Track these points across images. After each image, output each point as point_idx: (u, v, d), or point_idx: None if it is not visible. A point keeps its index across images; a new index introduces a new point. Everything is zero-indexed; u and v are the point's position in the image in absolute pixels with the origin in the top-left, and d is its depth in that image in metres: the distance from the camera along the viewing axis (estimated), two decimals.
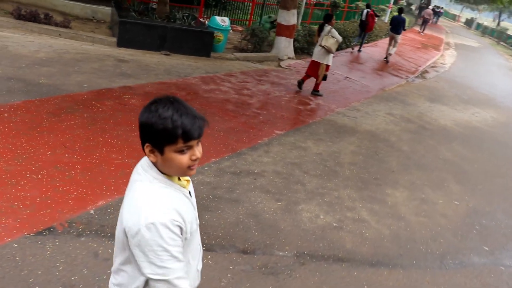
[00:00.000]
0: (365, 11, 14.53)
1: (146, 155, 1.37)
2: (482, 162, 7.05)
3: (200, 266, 1.70)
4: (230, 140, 5.59)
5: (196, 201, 1.68)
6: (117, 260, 1.50)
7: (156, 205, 1.31)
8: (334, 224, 4.27)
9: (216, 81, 8.06)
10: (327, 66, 8.29)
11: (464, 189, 5.84)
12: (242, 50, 11.03)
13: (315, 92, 8.57)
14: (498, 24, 45.49)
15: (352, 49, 14.91)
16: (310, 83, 8.77)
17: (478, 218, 5.14)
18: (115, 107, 5.72)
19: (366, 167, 5.73)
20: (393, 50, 14.10)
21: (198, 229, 1.58)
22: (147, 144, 1.33)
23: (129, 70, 7.53)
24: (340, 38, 8.14)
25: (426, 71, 14.57)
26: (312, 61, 8.38)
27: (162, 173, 1.39)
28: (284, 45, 10.99)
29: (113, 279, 1.54)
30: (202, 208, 4.00)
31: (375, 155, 6.24)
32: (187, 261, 1.50)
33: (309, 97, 8.37)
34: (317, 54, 8.24)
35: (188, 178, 1.51)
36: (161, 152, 1.31)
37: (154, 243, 1.28)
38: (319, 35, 8.30)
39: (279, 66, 10.61)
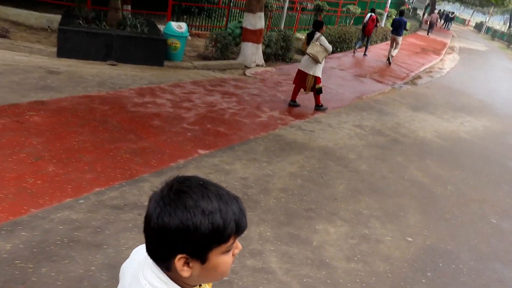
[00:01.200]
0: (369, 15, 14.49)
1: (175, 269, 0.91)
2: (459, 183, 5.89)
3: None
4: (134, 164, 4.60)
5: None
6: None
7: None
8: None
9: (156, 92, 7.10)
10: (317, 78, 7.41)
11: (425, 220, 4.71)
12: (206, 58, 10.09)
13: (318, 107, 7.76)
14: (509, 27, 43.73)
15: (354, 53, 14.71)
16: (308, 98, 7.71)
17: (433, 260, 4.02)
18: (8, 126, 4.80)
19: (301, 194, 4.66)
20: (394, 52, 13.91)
21: None
22: (180, 256, 0.90)
23: (56, 82, 6.64)
24: (329, 47, 7.21)
25: (418, 77, 13.41)
26: (298, 70, 7.54)
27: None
28: (251, 52, 10.00)
29: None
30: (44, 257, 3.02)
31: (320, 178, 5.16)
32: None
33: (262, 109, 7.33)
34: (303, 63, 7.43)
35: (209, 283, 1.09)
36: (204, 260, 0.91)
37: None
38: (308, 43, 7.41)
39: (244, 74, 9.61)
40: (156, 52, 8.77)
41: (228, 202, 0.92)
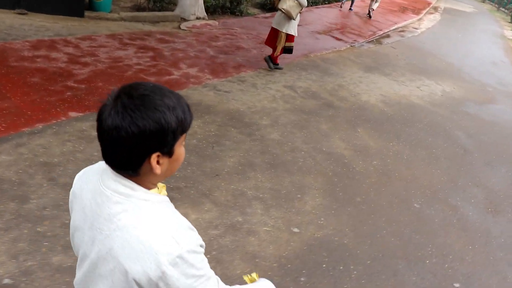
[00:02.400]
0: None
1: (150, 169, 0.98)
2: (388, 157, 4.96)
3: None
4: None
5: None
6: None
7: (172, 232, 0.98)
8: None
9: (56, 46, 5.98)
10: (290, 36, 6.66)
11: (327, 204, 3.80)
12: (141, 9, 8.82)
13: (275, 65, 7.00)
14: None
15: (341, 7, 14.50)
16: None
17: (317, 260, 3.15)
18: None
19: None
20: (375, 5, 13.65)
21: None
22: (154, 155, 0.97)
23: None
24: (304, 2, 6.35)
25: (387, 36, 12.24)
26: (272, 28, 6.76)
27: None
28: (190, 2, 8.76)
29: None
30: None
31: (209, 148, 4.16)
32: None
33: (179, 66, 6.23)
34: (276, 20, 6.64)
35: (163, 184, 1.16)
36: (171, 154, 1.01)
37: (186, 277, 0.98)
38: None
39: (178, 27, 8.40)
40: (74, 0, 7.50)
41: (179, 98, 1.00)
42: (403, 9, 17.77)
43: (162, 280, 0.95)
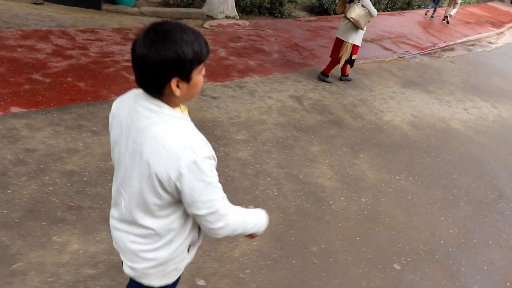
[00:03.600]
0: None
1: (170, 91, 1.26)
2: (383, 196, 3.95)
3: None
4: None
5: None
6: (134, 213, 1.40)
7: (190, 142, 1.26)
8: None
9: (50, 37, 5.74)
10: (355, 46, 6.04)
11: (268, 251, 2.93)
12: (168, 4, 8.46)
13: (344, 76, 6.51)
14: None
15: (426, 13, 13.96)
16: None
17: None
18: None
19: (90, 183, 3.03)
20: (453, 11, 13.14)
21: None
22: (174, 79, 1.24)
23: None
24: (374, 11, 5.80)
25: (451, 49, 10.75)
26: (336, 39, 6.15)
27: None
28: (219, 0, 8.17)
29: (133, 230, 1.44)
30: None
31: None
32: None
33: None
34: (342, 29, 6.03)
35: (185, 105, 1.45)
36: (189, 80, 1.27)
37: (198, 180, 1.26)
38: (344, 3, 5.88)
39: (201, 26, 7.88)
40: None
41: (198, 35, 1.25)
42: (481, 22, 15.79)
43: (179, 180, 1.25)
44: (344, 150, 4.49)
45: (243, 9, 9.19)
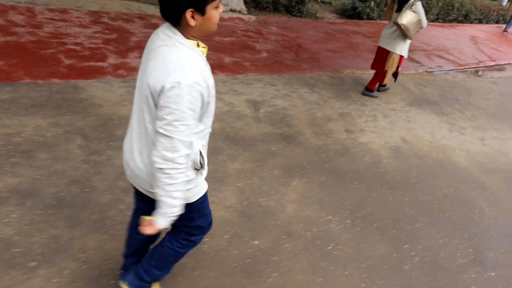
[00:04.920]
0: None
1: (185, 21, 1.40)
2: (279, 245, 2.98)
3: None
4: None
5: None
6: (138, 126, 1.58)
7: (185, 66, 1.38)
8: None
9: (9, 12, 5.39)
10: (401, 58, 5.36)
11: None
12: None
13: (382, 87, 5.91)
14: None
15: (505, 30, 13.09)
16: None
17: None
18: None
19: None
20: None
21: (215, 94, 1.59)
22: (189, 10, 1.37)
23: None
24: (425, 21, 5.11)
25: (501, 68, 9.20)
26: (379, 48, 5.45)
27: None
28: None
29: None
30: None
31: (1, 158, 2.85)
32: (205, 124, 1.60)
33: (126, 55, 5.04)
34: (387, 37, 5.31)
35: (204, 45, 1.56)
36: (203, 13, 1.40)
37: (173, 101, 1.36)
38: (393, 8, 5.23)
39: None
40: None
41: None
42: None
43: (163, 94, 1.37)
44: (275, 172, 3.56)
45: (258, 4, 8.39)
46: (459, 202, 3.86)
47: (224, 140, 3.82)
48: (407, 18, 4.93)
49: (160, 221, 1.54)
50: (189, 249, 1.95)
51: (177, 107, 1.36)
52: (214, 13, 1.43)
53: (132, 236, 2.04)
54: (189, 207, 1.72)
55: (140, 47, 5.30)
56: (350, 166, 3.95)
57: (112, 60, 4.78)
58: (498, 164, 4.78)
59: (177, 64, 1.37)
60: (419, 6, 4.99)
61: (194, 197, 1.73)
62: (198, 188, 1.74)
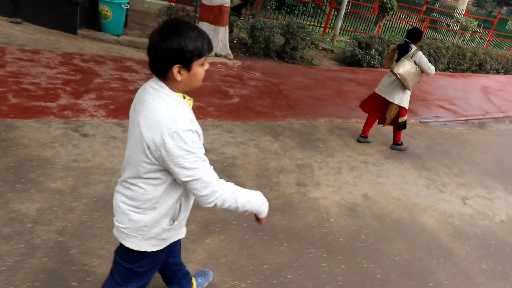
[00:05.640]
0: None
1: (171, 76, 1.51)
2: None
3: None
4: None
5: None
6: (126, 173, 1.68)
7: (175, 115, 1.48)
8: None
9: None
10: (402, 109, 5.19)
11: None
12: None
13: (396, 145, 5.57)
14: None
15: None
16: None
17: None
18: None
19: None
20: None
21: None
22: (176, 66, 1.48)
23: None
24: (430, 69, 4.98)
25: (510, 121, 8.56)
26: (374, 94, 5.33)
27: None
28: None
29: (124, 191, 1.71)
30: None
31: None
32: None
33: (80, 96, 4.92)
34: (385, 86, 5.18)
35: (190, 98, 1.65)
36: (189, 69, 1.51)
37: (180, 149, 1.47)
38: (395, 58, 5.14)
39: None
40: (66, 16, 7.06)
41: (202, 33, 1.51)
42: None
43: (163, 146, 1.46)
44: (191, 227, 3.16)
45: (247, 50, 8.29)
46: (411, 272, 3.30)
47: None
48: (404, 67, 4.85)
49: (262, 215, 1.81)
50: None
51: (185, 152, 1.47)
52: (200, 70, 1.55)
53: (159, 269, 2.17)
54: (136, 253, 1.75)
55: (100, 89, 5.18)
56: (287, 224, 3.50)
57: (63, 101, 4.64)
58: (475, 228, 4.18)
59: (168, 116, 1.47)
60: (420, 56, 4.90)
61: (145, 246, 1.74)
62: (158, 241, 1.75)
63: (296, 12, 15.28)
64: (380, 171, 4.88)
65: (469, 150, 6.28)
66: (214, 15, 7.26)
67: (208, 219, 3.31)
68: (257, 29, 7.93)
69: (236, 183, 3.56)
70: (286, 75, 7.59)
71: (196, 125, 1.54)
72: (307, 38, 8.50)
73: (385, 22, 13.10)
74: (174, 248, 2.02)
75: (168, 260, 2.11)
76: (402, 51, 4.99)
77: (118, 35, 7.43)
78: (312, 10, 14.96)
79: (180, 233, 1.89)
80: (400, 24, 14.02)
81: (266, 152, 4.62)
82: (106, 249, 2.80)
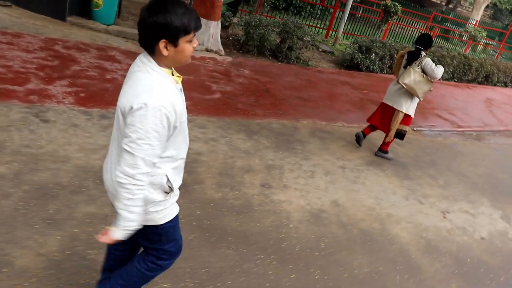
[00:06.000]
0: None
1: (158, 51, 1.55)
2: None
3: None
4: None
5: None
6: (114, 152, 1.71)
7: (153, 90, 1.52)
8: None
9: None
10: (407, 117, 4.98)
11: None
12: None
13: (382, 152, 5.27)
14: None
15: None
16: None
17: None
18: None
19: None
20: None
21: (186, 123, 1.77)
22: (162, 40, 1.53)
23: None
24: (436, 73, 4.64)
25: (511, 135, 8.21)
26: (382, 104, 5.10)
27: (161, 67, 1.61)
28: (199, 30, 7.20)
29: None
30: None
31: None
32: (172, 154, 1.72)
33: (51, 82, 4.76)
34: (392, 94, 4.95)
35: (178, 74, 1.72)
36: (176, 45, 1.55)
37: (138, 120, 1.49)
38: (401, 64, 4.95)
39: None
40: (56, 2, 6.93)
41: (191, 11, 1.54)
42: None
43: (130, 113, 1.51)
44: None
45: (241, 47, 8.08)
46: (368, 287, 3.04)
47: (95, 178, 3.29)
48: (410, 77, 4.66)
49: (116, 233, 1.62)
50: (156, 273, 2.01)
51: (142, 126, 1.48)
52: (187, 46, 1.57)
53: (110, 251, 2.11)
54: (157, 229, 1.82)
55: (75, 76, 5.01)
56: (239, 226, 3.27)
57: (32, 85, 4.48)
58: (450, 244, 3.90)
59: (147, 87, 1.51)
60: (425, 61, 4.68)
61: (162, 219, 1.80)
62: (167, 211, 1.81)
63: (303, 13, 15.08)
64: (358, 177, 4.62)
65: (460, 161, 5.98)
66: (206, 8, 7.07)
67: None
68: (251, 26, 7.70)
69: (194, 180, 3.35)
70: (276, 74, 7.37)
71: (171, 105, 1.54)
72: (304, 38, 8.25)
73: (392, 28, 12.79)
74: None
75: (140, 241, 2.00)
76: (412, 58, 4.78)
77: (108, 25, 7.27)
78: (320, 12, 14.72)
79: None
80: (407, 31, 13.70)
81: (235, 150, 4.39)
82: (34, 239, 2.61)
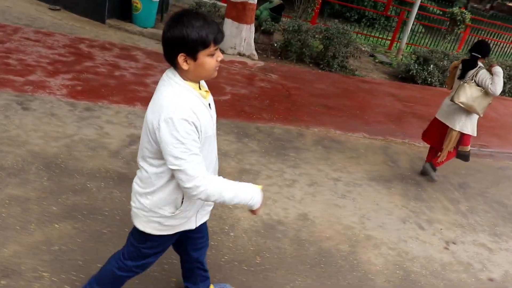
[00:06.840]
0: None
1: (179, 65, 1.53)
2: None
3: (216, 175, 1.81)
4: None
5: None
6: (138, 155, 1.74)
7: (175, 103, 1.51)
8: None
9: None
10: (464, 136, 4.40)
11: None
12: None
13: (431, 166, 4.64)
14: None
15: None
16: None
17: None
18: None
19: None
20: None
21: (215, 139, 1.78)
22: (181, 54, 1.51)
23: None
24: (495, 88, 3.97)
25: None
26: (435, 120, 4.58)
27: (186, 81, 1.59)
28: (231, 33, 7.18)
29: (138, 172, 1.77)
30: None
31: None
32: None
33: (56, 75, 5.02)
34: (446, 109, 4.41)
35: (207, 89, 1.72)
36: (195, 59, 1.52)
37: (171, 136, 1.49)
38: (455, 75, 4.42)
39: None
40: (97, 5, 7.41)
41: (210, 23, 1.50)
42: None
43: (158, 130, 1.51)
44: (52, 209, 2.87)
45: (281, 53, 7.83)
46: None
47: (40, 164, 3.29)
48: (465, 94, 4.07)
49: (254, 208, 1.76)
50: (125, 275, 1.96)
51: (176, 141, 1.48)
52: (208, 60, 1.53)
53: (181, 260, 2.24)
54: (142, 233, 1.80)
55: (82, 71, 5.21)
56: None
57: (33, 77, 4.73)
58: (438, 281, 3.21)
59: (170, 102, 1.50)
60: (483, 74, 4.04)
61: (149, 229, 1.77)
62: (161, 226, 1.77)
63: (376, 26, 14.33)
64: (349, 192, 4.07)
65: (503, 188, 5.01)
66: (238, 11, 6.96)
67: (78, 204, 2.98)
68: (289, 31, 7.40)
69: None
70: (307, 81, 6.96)
71: (195, 118, 1.52)
72: (351, 46, 7.72)
73: (468, 39, 11.51)
74: (196, 241, 2.05)
75: (190, 253, 2.10)
76: (467, 67, 4.18)
77: (148, 28, 7.52)
78: (394, 24, 13.93)
79: (187, 223, 1.83)
80: (493, 44, 12.21)
81: (225, 155, 4.14)
82: None
